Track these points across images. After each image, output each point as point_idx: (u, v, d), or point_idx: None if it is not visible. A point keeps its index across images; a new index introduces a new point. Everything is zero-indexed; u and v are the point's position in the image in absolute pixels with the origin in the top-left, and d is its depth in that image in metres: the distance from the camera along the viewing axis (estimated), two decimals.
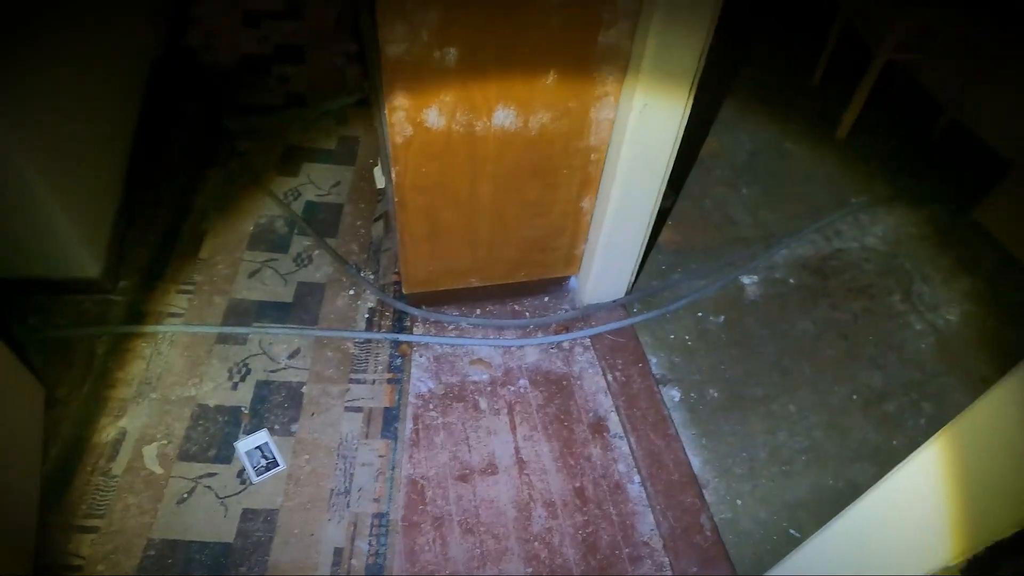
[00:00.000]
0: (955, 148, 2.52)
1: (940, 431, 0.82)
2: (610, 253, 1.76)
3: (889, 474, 0.90)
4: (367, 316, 1.84)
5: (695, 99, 1.42)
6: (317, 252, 1.97)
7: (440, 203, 1.57)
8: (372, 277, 1.93)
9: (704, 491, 1.59)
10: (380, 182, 1.92)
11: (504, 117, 1.43)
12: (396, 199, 1.53)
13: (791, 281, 2.05)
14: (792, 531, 1.53)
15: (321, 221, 2.06)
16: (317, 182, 2.17)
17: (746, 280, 2.04)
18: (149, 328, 1.73)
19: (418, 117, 1.37)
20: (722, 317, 1.94)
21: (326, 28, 2.80)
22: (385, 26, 1.20)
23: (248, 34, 2.69)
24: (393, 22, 1.20)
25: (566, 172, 1.60)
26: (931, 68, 2.62)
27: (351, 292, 1.89)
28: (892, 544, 0.92)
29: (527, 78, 1.37)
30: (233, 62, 2.56)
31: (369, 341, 1.79)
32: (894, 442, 1.69)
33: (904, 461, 0.88)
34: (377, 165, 1.98)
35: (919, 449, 0.85)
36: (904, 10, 2.14)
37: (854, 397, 1.78)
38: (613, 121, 1.51)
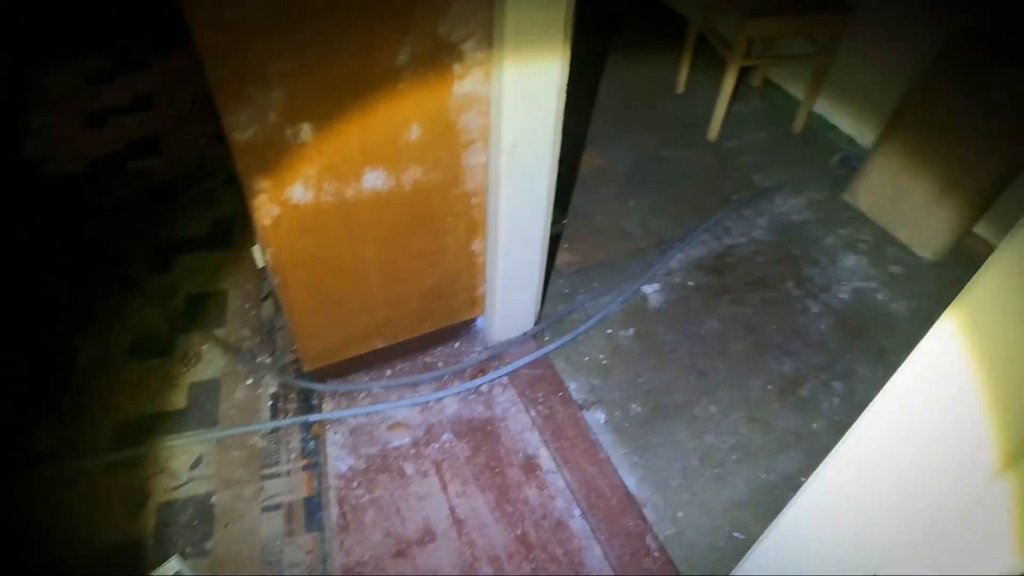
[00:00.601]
0: (817, 136, 2.71)
1: (857, 421, 0.84)
2: (510, 288, 1.75)
3: (820, 466, 0.92)
4: (271, 403, 1.74)
5: (570, 120, 1.44)
6: (206, 346, 1.85)
7: (323, 274, 1.52)
8: (270, 360, 1.83)
9: (644, 510, 1.58)
10: (260, 260, 1.84)
11: (374, 179, 1.40)
12: (276, 279, 1.46)
13: (690, 284, 2.11)
14: (736, 534, 1.55)
15: (206, 312, 1.94)
16: (195, 273, 2.05)
17: (648, 289, 2.09)
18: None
19: (282, 196, 1.32)
20: (631, 330, 1.97)
21: (183, 113, 2.68)
22: (228, 115, 1.15)
23: (94, 135, 2.53)
24: (236, 109, 1.15)
25: (450, 219, 1.58)
26: (782, 67, 2.82)
27: (249, 382, 1.78)
28: (835, 535, 0.93)
29: (390, 138, 1.35)
30: (82, 168, 2.39)
31: (277, 430, 1.68)
32: (813, 425, 1.75)
33: (831, 453, 0.90)
34: (256, 244, 1.89)
35: (842, 439, 0.87)
36: (745, 22, 2.28)
37: (769, 387, 1.84)
38: (486, 164, 1.51)
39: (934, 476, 0.71)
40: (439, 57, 1.27)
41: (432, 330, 1.84)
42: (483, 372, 1.85)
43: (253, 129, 1.19)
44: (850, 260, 2.20)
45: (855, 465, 0.87)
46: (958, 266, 2.19)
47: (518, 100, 1.33)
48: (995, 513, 0.60)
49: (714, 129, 2.62)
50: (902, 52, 2.32)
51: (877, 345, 1.95)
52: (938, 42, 2.10)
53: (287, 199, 1.33)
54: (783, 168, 2.56)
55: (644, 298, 2.06)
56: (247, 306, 1.97)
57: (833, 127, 2.68)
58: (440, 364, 1.87)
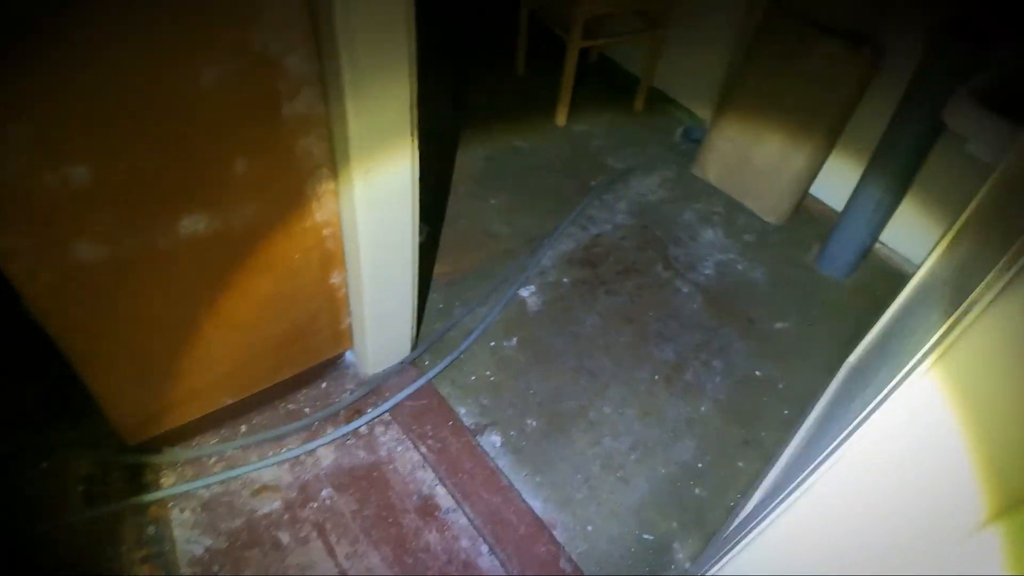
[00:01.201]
0: (657, 112, 2.75)
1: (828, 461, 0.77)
2: (380, 316, 1.56)
3: (788, 501, 0.85)
4: (83, 490, 1.41)
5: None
6: None
7: (135, 335, 1.23)
8: (73, 432, 1.48)
9: (554, 532, 1.50)
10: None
11: (193, 224, 1.14)
12: (65, 350, 1.15)
13: (565, 280, 2.05)
14: (645, 535, 1.52)
15: None
16: None
17: (524, 292, 1.99)
18: None
19: (59, 257, 1.02)
20: (515, 339, 1.86)
21: None
22: None
23: None
24: None
25: (299, 256, 1.36)
26: (618, 45, 2.81)
27: (45, 464, 1.43)
28: None
29: (209, 175, 1.10)
30: None
31: (95, 522, 1.37)
32: (702, 408, 1.77)
33: (802, 488, 0.83)
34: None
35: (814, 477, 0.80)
36: (582, 2, 2.22)
37: (656, 377, 1.82)
38: (336, 191, 1.29)
39: (915, 525, 0.66)
40: (258, 76, 1.04)
41: (292, 375, 1.60)
42: (359, 412, 1.65)
43: None
44: (708, 234, 2.25)
45: (824, 510, 0.81)
46: (799, 227, 2.33)
47: (363, 114, 1.13)
48: (982, 564, 0.56)
49: (561, 114, 2.56)
50: (727, 25, 2.39)
51: (745, 317, 2.01)
52: (757, 14, 2.18)
53: (68, 259, 1.03)
54: (632, 148, 2.57)
55: (522, 303, 1.96)
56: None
57: (672, 101, 2.74)
58: (307, 410, 1.64)
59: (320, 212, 1.32)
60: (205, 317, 1.29)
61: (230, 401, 1.51)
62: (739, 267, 2.16)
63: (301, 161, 1.21)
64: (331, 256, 1.42)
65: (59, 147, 0.92)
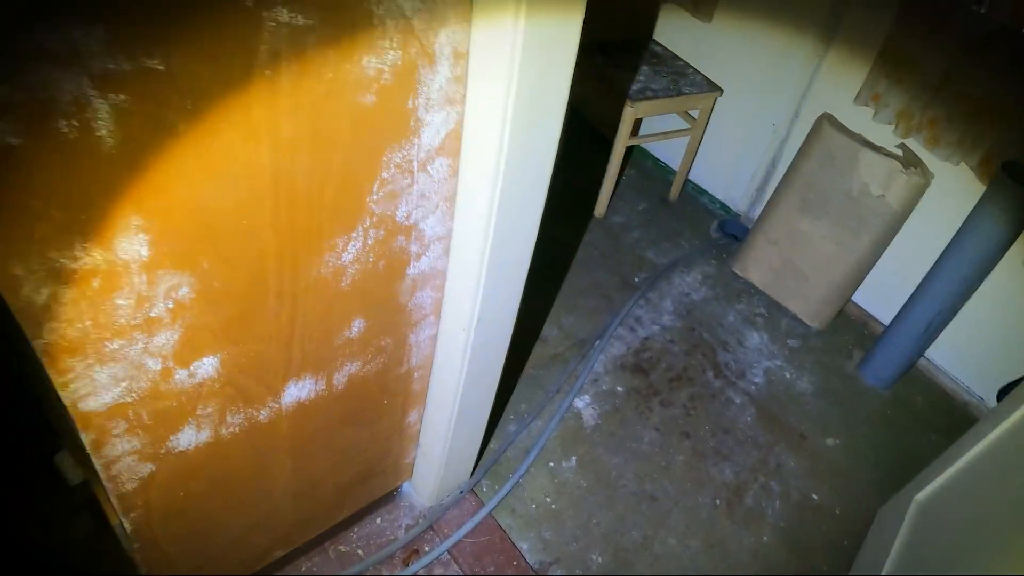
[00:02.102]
0: (691, 202, 2.73)
1: None
2: (452, 450, 1.45)
3: None
4: None
5: None
6: None
7: (211, 511, 1.11)
8: None
9: None
10: (74, 477, 1.31)
11: (299, 390, 1.03)
12: (135, 545, 1.01)
13: (619, 389, 1.97)
14: None
15: None
16: None
17: (579, 403, 1.91)
18: None
19: (160, 450, 0.90)
20: (573, 459, 1.77)
21: None
22: (70, 380, 0.72)
23: None
24: (84, 374, 0.72)
25: (387, 401, 1.26)
26: (658, 145, 2.80)
27: None
28: None
29: (324, 341, 0.99)
30: None
31: None
32: (764, 538, 1.71)
33: None
34: (63, 450, 1.35)
35: None
36: (633, 103, 2.22)
37: (717, 503, 1.76)
38: (436, 336, 1.20)
39: None
40: (394, 242, 0.95)
41: (347, 515, 1.47)
42: (417, 552, 1.53)
43: (121, 388, 0.77)
44: (754, 338, 2.22)
45: None
46: (841, 332, 2.32)
47: (490, 273, 1.05)
48: None
49: (601, 205, 2.52)
50: (765, 127, 2.40)
51: (796, 432, 1.97)
52: (805, 122, 2.20)
53: (168, 451, 0.91)
54: (670, 241, 2.53)
55: (578, 415, 1.88)
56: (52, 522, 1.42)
57: (705, 192, 2.73)
58: (361, 552, 1.51)
59: (416, 357, 1.22)
60: (285, 479, 1.17)
61: (280, 554, 1.37)
62: (787, 375, 2.13)
63: (411, 314, 1.11)
64: (415, 397, 1.32)
65: (196, 346, 0.80)
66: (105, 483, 0.85)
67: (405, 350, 1.19)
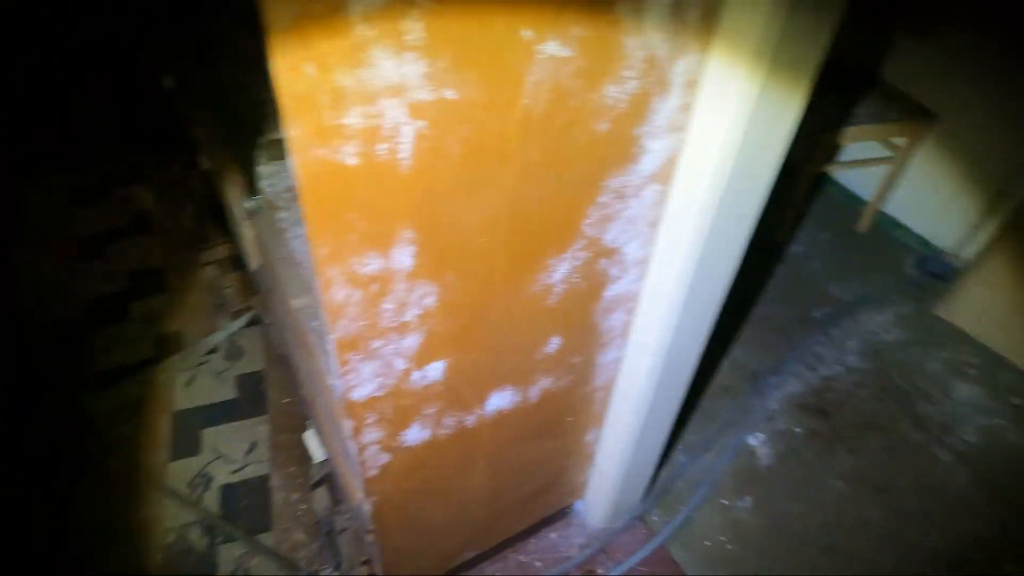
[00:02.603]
0: (883, 236, 2.53)
1: None
2: (626, 473, 1.47)
3: None
4: None
5: None
6: (255, 561, 1.50)
7: (426, 506, 1.22)
8: (335, 574, 1.49)
9: None
10: (318, 453, 1.51)
11: (500, 400, 1.12)
12: (374, 526, 1.14)
13: (797, 430, 1.87)
14: None
15: (246, 510, 1.59)
16: (227, 452, 1.70)
17: (753, 441, 1.83)
18: None
19: (395, 443, 1.02)
20: (748, 499, 1.70)
21: (184, 234, 2.33)
22: (348, 373, 0.85)
23: (92, 269, 2.16)
24: (358, 366, 0.85)
25: (569, 420, 1.31)
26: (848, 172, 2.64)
27: None
28: None
29: (525, 355, 1.07)
30: (80, 313, 2.02)
31: None
32: None
33: None
34: (309, 430, 1.56)
35: None
36: (829, 129, 2.13)
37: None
38: (620, 359, 1.24)
39: None
40: (597, 264, 1.01)
41: (525, 527, 1.54)
42: (592, 574, 1.54)
43: (376, 383, 0.89)
44: (964, 391, 1.99)
45: None
46: None
47: (686, 301, 1.07)
48: None
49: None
50: (990, 158, 2.17)
51: None
52: None
53: (399, 444, 1.03)
54: (857, 276, 2.36)
55: (751, 452, 1.80)
56: (295, 497, 1.63)
57: (902, 226, 2.51)
58: (538, 563, 1.56)
59: (600, 378, 1.26)
60: (480, 482, 1.26)
61: (471, 555, 1.46)
62: (1010, 436, 1.88)
63: (602, 335, 1.16)
64: (595, 416, 1.36)
65: (431, 351, 0.92)
66: (358, 466, 0.98)
67: (592, 370, 1.24)
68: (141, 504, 1.57)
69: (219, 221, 2.37)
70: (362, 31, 0.57)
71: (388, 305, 0.81)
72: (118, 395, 1.80)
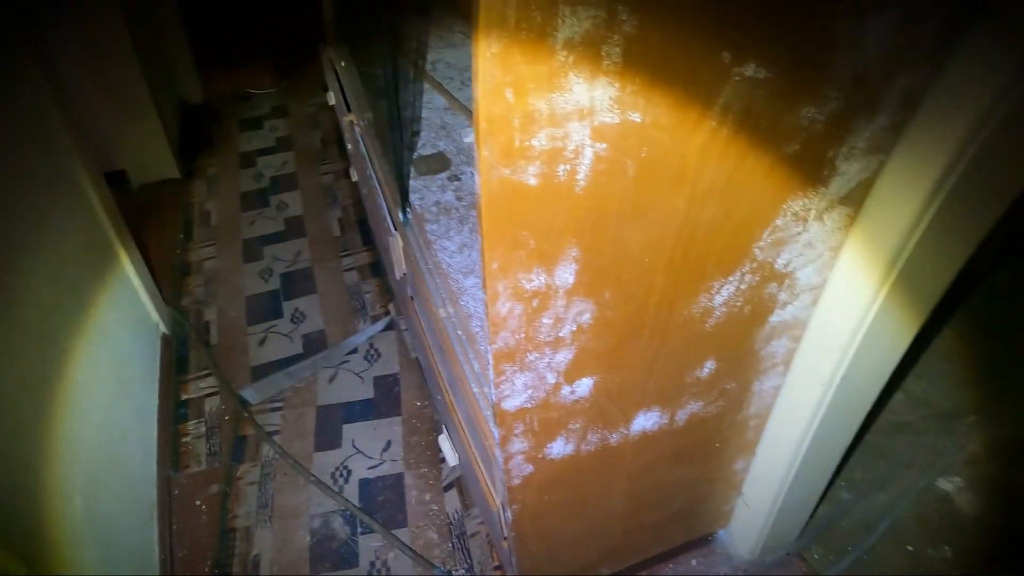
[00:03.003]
0: None
1: None
2: (784, 506, 1.40)
3: None
4: None
5: None
6: (392, 555, 1.59)
7: (563, 518, 1.25)
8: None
9: None
10: (452, 457, 1.58)
11: (646, 420, 1.11)
12: (513, 533, 1.18)
13: (1010, 477, 1.67)
14: None
15: (383, 505, 1.70)
16: (365, 449, 1.82)
17: (947, 485, 1.67)
18: None
19: (539, 455, 1.05)
20: (946, 548, 1.55)
21: (330, 239, 2.52)
22: (501, 383, 0.88)
23: (250, 270, 2.41)
24: (511, 377, 0.88)
25: (718, 446, 1.27)
26: None
27: None
28: None
29: (676, 377, 1.05)
30: (241, 316, 2.25)
31: None
32: None
33: None
34: (442, 433, 1.64)
35: None
36: None
37: None
38: (780, 388, 1.19)
39: None
40: (765, 288, 0.97)
41: (663, 551, 1.51)
42: None
43: (527, 394, 0.92)
44: None
45: None
46: None
47: (871, 330, 1.00)
48: None
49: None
50: None
51: None
52: None
53: (544, 456, 1.06)
54: None
55: (946, 499, 1.64)
56: (427, 497, 1.71)
57: None
58: None
59: (756, 406, 1.22)
60: (618, 501, 1.26)
61: (606, 573, 1.47)
62: None
63: (761, 362, 1.12)
64: (746, 445, 1.31)
65: (583, 366, 0.93)
66: (503, 475, 1.02)
67: (747, 397, 1.19)
68: (292, 488, 1.73)
69: (362, 229, 2.55)
70: (562, 57, 0.60)
71: (546, 320, 0.84)
72: (269, 386, 1.98)
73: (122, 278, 1.83)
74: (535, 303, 0.81)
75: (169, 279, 2.34)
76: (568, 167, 0.68)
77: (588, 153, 0.68)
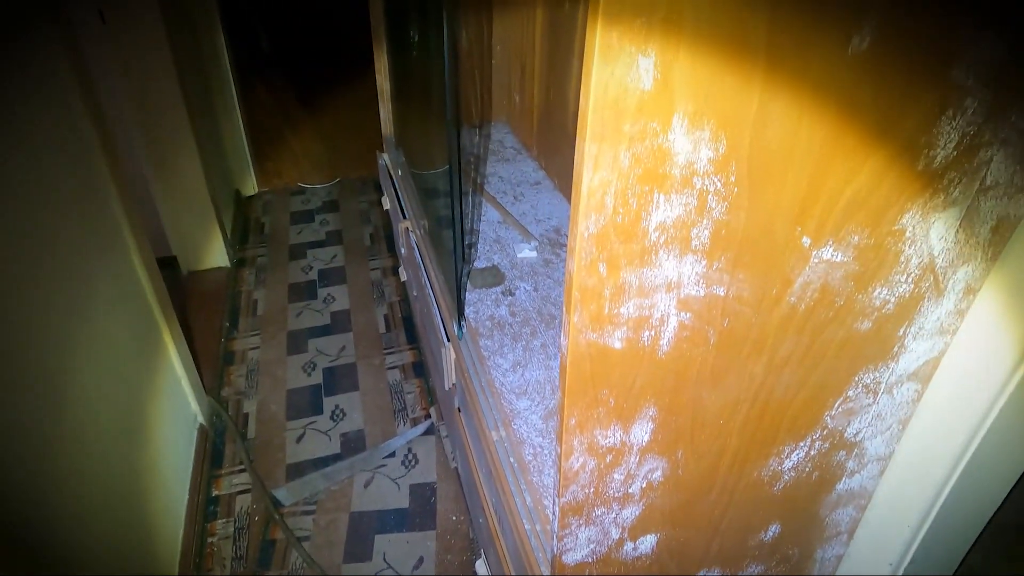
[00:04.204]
0: None
1: None
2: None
3: None
4: None
5: None
6: None
7: None
8: None
9: None
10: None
11: None
12: None
13: None
14: None
15: None
16: (396, 564, 1.79)
17: None
18: None
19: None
20: None
21: (375, 336, 2.60)
22: (564, 536, 0.89)
23: (293, 363, 2.48)
24: (576, 531, 0.89)
25: None
26: None
27: None
28: None
29: (739, 540, 1.05)
30: (281, 409, 2.31)
31: None
32: None
33: None
34: (480, 558, 1.62)
35: None
36: None
37: None
38: (842, 557, 1.17)
39: None
40: (834, 456, 0.98)
41: None
42: None
43: (589, 548, 0.93)
44: None
45: None
46: None
47: (942, 511, 0.99)
48: None
49: None
50: None
51: None
52: None
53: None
54: None
55: None
56: None
57: None
58: None
59: (816, 573, 1.19)
60: None
61: None
62: None
63: (825, 529, 1.11)
64: None
65: (648, 522, 0.94)
66: None
67: (808, 565, 1.17)
68: None
69: (407, 327, 2.62)
70: (654, 237, 0.66)
71: (617, 476, 0.86)
72: (304, 487, 1.99)
73: (167, 368, 1.90)
74: (608, 459, 0.83)
75: (212, 367, 2.42)
76: (652, 333, 0.73)
77: (673, 321, 0.73)
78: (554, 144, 1.99)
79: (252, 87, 4.51)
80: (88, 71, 1.58)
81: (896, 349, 0.85)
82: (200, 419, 2.11)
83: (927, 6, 0.60)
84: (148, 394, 1.72)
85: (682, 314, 0.72)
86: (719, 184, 0.65)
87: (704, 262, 0.69)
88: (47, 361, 1.22)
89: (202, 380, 2.17)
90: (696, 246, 0.68)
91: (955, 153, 0.68)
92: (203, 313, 2.69)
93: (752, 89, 0.60)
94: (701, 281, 0.70)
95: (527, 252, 1.73)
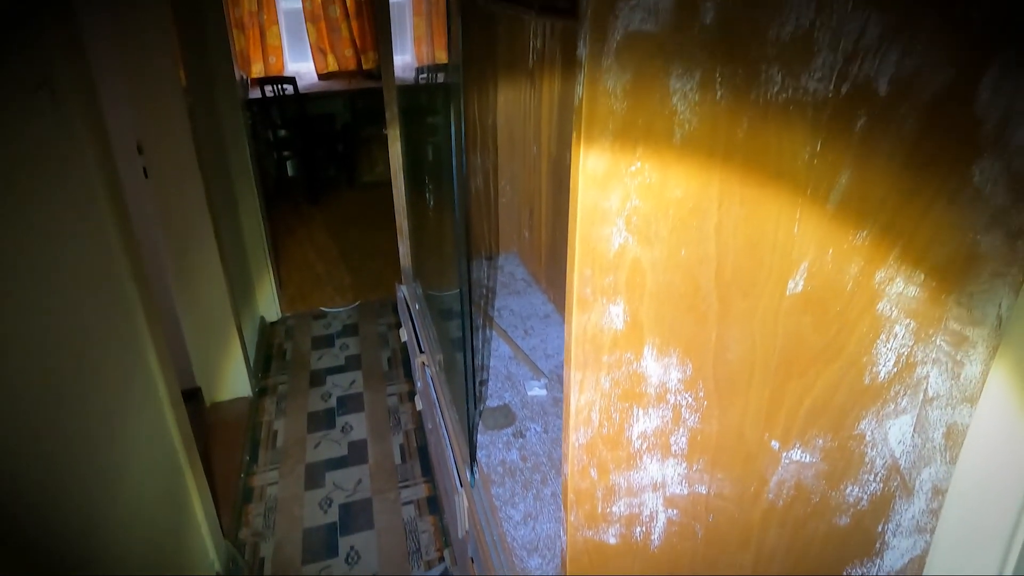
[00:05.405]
0: None
1: None
2: None
3: None
4: None
5: None
6: None
7: None
8: None
9: None
10: None
11: None
12: None
13: None
14: None
15: None
16: None
17: None
18: None
19: None
20: None
21: (388, 467, 2.67)
22: None
23: (310, 499, 2.56)
24: None
25: None
26: None
27: None
28: None
29: None
30: (297, 552, 2.36)
31: None
32: None
33: None
34: None
35: None
36: None
37: None
38: None
39: None
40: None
41: None
42: None
43: None
44: None
45: None
46: None
47: None
48: None
49: None
50: None
51: None
52: None
53: None
54: None
55: None
56: None
57: None
58: None
59: None
60: None
61: None
62: None
63: None
64: None
65: None
66: None
67: None
68: None
69: (422, 457, 2.70)
70: (637, 444, 0.77)
71: None
72: None
73: (187, 511, 1.94)
74: None
75: (230, 506, 2.49)
76: (644, 528, 0.83)
77: (661, 518, 0.82)
78: (562, 279, 2.13)
79: (278, 211, 4.84)
80: (128, 214, 1.67)
81: (879, 545, 0.94)
82: (217, 567, 2.16)
83: (847, 254, 0.73)
84: (168, 541, 1.76)
85: (669, 511, 0.82)
86: (690, 399, 0.77)
87: (684, 464, 0.80)
88: (71, 521, 1.25)
89: (220, 521, 2.24)
90: (676, 451, 0.79)
91: (895, 369, 0.80)
92: (224, 446, 2.78)
93: (709, 324, 0.73)
94: (684, 481, 0.81)
95: (537, 390, 1.83)
